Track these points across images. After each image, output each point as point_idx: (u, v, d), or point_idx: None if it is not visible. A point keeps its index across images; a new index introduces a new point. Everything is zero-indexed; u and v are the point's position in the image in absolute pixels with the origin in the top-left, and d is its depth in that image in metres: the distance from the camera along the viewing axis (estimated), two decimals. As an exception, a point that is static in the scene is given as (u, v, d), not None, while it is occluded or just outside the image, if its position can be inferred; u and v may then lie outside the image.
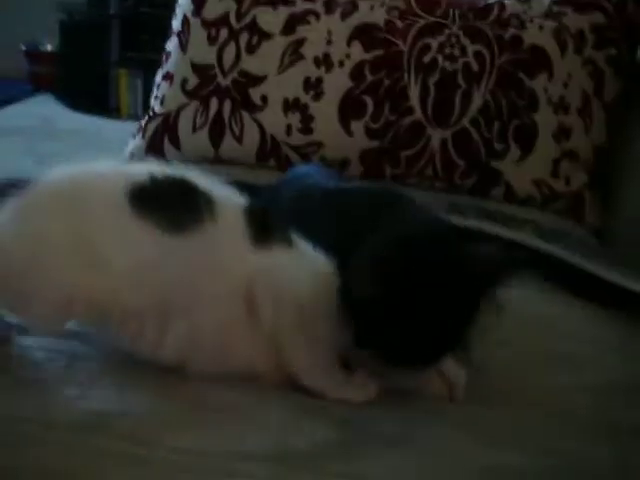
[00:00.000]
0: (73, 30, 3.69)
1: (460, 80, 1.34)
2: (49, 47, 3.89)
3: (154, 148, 1.40)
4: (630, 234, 1.31)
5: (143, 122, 1.43)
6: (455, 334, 0.72)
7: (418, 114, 1.34)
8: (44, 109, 3.58)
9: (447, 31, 1.35)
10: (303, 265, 0.73)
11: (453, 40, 1.35)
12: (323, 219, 0.85)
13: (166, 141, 1.40)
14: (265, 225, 0.74)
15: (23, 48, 3.85)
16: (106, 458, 0.64)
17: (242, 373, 0.72)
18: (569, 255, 1.07)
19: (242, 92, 1.36)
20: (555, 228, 1.19)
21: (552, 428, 0.77)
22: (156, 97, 1.42)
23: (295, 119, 1.35)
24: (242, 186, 1.07)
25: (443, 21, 1.36)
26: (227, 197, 0.74)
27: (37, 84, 3.87)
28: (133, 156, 1.42)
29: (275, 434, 0.68)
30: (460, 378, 0.79)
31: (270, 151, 1.37)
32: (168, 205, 0.70)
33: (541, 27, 1.37)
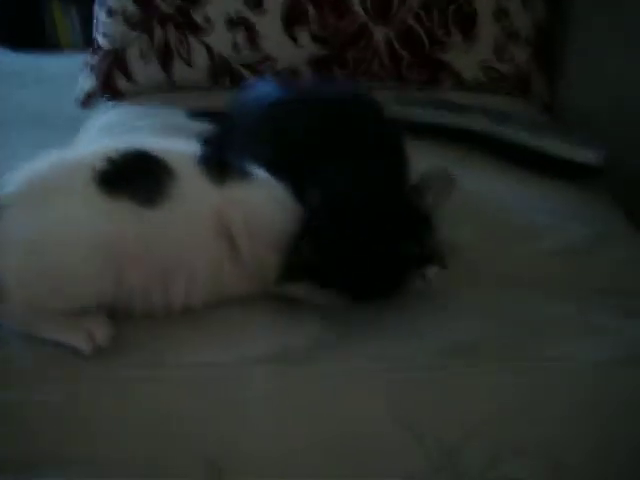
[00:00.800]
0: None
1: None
2: (-26, -13, 3.74)
3: (107, 85, 1.42)
4: (578, 106, 1.37)
5: (91, 60, 1.44)
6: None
7: (360, 14, 1.36)
8: (-20, 53, 3.50)
9: None
10: (263, 193, 0.80)
11: None
12: (261, 135, 0.90)
13: (118, 76, 1.41)
14: (222, 166, 0.80)
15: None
16: (121, 382, 0.71)
17: (229, 298, 0.79)
18: (518, 135, 1.12)
19: (185, 15, 1.37)
20: (505, 110, 1.24)
21: (522, 298, 0.84)
22: (100, 33, 1.42)
23: (241, 36, 1.36)
24: (202, 115, 1.10)
25: None
26: (182, 154, 0.79)
27: (-32, 28, 3.74)
28: (88, 96, 1.43)
29: (264, 338, 0.76)
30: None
31: (221, 71, 1.39)
32: (135, 182, 0.75)
33: None
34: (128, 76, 1.41)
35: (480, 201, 1.02)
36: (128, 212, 0.74)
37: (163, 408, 0.70)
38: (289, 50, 1.37)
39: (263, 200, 0.80)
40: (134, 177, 0.76)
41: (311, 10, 1.35)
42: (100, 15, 1.43)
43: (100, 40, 1.43)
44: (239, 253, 0.78)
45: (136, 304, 0.76)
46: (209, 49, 1.38)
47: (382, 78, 1.40)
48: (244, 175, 0.80)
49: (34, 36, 3.47)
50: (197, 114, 1.16)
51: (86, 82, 1.45)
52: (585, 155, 1.09)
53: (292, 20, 1.36)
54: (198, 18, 1.37)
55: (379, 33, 1.36)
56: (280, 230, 0.78)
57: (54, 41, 3.47)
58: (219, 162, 0.80)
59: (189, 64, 1.39)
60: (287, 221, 0.78)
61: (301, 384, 0.71)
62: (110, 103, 1.42)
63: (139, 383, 0.71)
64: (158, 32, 1.38)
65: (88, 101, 1.46)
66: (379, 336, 0.77)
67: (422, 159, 0.91)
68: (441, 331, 0.78)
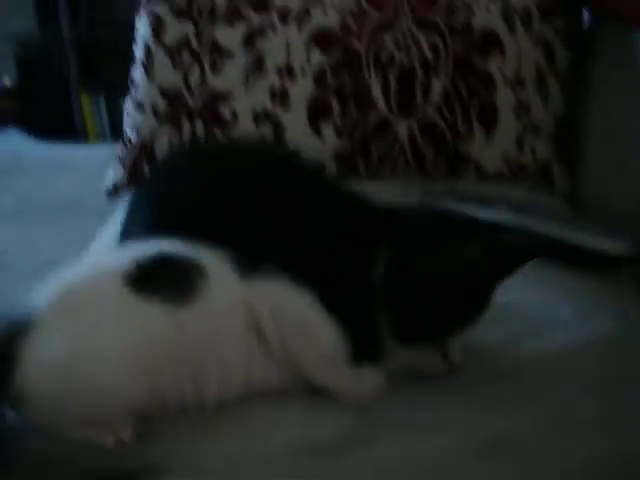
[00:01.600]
0: (29, 61, 3.70)
1: (418, 71, 1.39)
2: (7, 81, 3.89)
3: (135, 177, 1.45)
4: (598, 197, 1.38)
5: (120, 152, 1.48)
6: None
7: (383, 109, 1.39)
8: (12, 144, 3.59)
9: (400, 26, 1.41)
10: (286, 286, 0.81)
11: (407, 34, 1.40)
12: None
13: (146, 169, 1.44)
14: (249, 263, 0.81)
15: (-20, 86, 3.85)
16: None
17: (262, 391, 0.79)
18: (541, 226, 1.13)
19: (212, 110, 1.41)
20: (527, 201, 1.25)
21: (553, 391, 0.83)
22: (129, 126, 1.47)
23: (267, 130, 1.40)
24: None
25: (395, 17, 1.42)
26: (209, 251, 0.81)
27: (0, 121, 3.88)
28: (116, 188, 1.47)
29: (296, 429, 0.75)
30: (459, 357, 0.85)
31: (247, 163, 1.42)
32: (165, 284, 0.77)
33: (488, 10, 1.43)
34: (155, 168, 1.44)
35: (500, 294, 1.02)
36: (160, 314, 0.75)
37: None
38: (314, 144, 1.40)
39: (287, 292, 0.81)
40: (164, 279, 0.77)
41: (335, 104, 1.39)
42: (129, 108, 1.47)
43: (129, 133, 1.47)
44: (268, 345, 0.79)
45: (168, 404, 0.76)
46: (235, 142, 1.41)
47: (407, 173, 1.42)
48: (269, 272, 0.82)
49: (64, 129, 3.59)
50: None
51: (114, 174, 1.48)
52: (613, 245, 1.09)
53: (316, 114, 1.40)
54: (225, 113, 1.41)
55: (402, 127, 1.39)
56: (306, 320, 0.79)
57: (82, 133, 3.58)
58: (246, 260, 0.82)
59: (216, 157, 1.42)
60: (312, 311, 0.80)
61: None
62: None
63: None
64: (186, 126, 1.42)
65: (116, 192, 1.49)
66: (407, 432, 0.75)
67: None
68: (471, 426, 0.76)
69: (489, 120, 1.40)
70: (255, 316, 0.79)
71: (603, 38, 1.48)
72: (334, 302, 0.79)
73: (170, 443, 0.74)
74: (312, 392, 0.80)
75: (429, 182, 1.39)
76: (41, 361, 0.73)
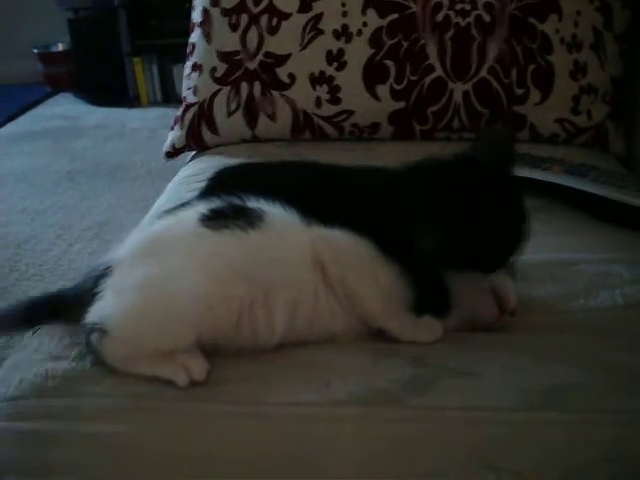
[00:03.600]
0: (81, 26, 3.76)
1: (474, 33, 1.40)
2: (60, 46, 3.96)
3: (193, 136, 1.49)
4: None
5: (179, 113, 1.51)
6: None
7: (439, 71, 1.40)
8: (66, 108, 3.70)
9: (456, -14, 1.41)
10: (343, 232, 0.84)
11: (462, -5, 1.40)
12: None
13: (204, 128, 1.48)
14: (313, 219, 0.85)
15: (35, 51, 3.93)
16: (217, 419, 0.74)
17: (325, 335, 0.82)
18: (596, 186, 1.14)
19: (270, 73, 1.43)
20: (581, 162, 1.26)
21: (604, 347, 0.85)
22: (188, 88, 1.50)
23: (323, 91, 1.42)
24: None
25: (451, -23, 1.42)
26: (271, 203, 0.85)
27: (54, 85, 3.96)
28: (175, 149, 1.51)
29: (357, 379, 0.78)
30: (511, 291, 0.87)
31: (303, 125, 1.45)
32: (236, 218, 0.82)
33: (546, -30, 1.42)
34: (213, 129, 1.47)
35: (556, 252, 1.04)
36: (232, 236, 0.80)
37: (258, 446, 0.72)
38: (369, 105, 1.42)
39: (348, 238, 0.84)
40: (236, 217, 0.82)
41: (391, 66, 1.40)
42: (188, 70, 1.51)
43: (187, 95, 1.50)
44: (332, 289, 0.82)
45: (241, 331, 0.79)
46: (292, 104, 1.44)
47: (461, 133, 1.43)
48: (331, 224, 0.85)
49: (116, 94, 3.65)
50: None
51: (172, 135, 1.52)
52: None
53: (372, 75, 1.41)
54: (282, 75, 1.43)
55: (457, 88, 1.40)
56: (366, 262, 0.82)
57: (135, 96, 3.64)
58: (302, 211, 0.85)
59: (272, 119, 1.45)
60: (371, 254, 0.83)
61: (388, 427, 0.73)
62: (194, 155, 1.50)
63: (233, 420, 0.74)
64: (244, 88, 1.45)
65: (174, 153, 1.53)
66: (466, 383, 0.78)
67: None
68: (531, 375, 0.78)
69: (545, 82, 1.40)
70: (319, 257, 0.82)
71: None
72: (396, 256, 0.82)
73: (235, 385, 0.77)
74: (375, 342, 0.83)
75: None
76: (123, 288, 0.78)
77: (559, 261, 1.02)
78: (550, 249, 1.03)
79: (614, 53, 1.44)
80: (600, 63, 1.42)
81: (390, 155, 1.40)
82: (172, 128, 1.53)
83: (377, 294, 0.82)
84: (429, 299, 0.84)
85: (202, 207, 0.84)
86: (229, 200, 0.85)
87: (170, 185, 1.41)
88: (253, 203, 0.84)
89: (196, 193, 1.08)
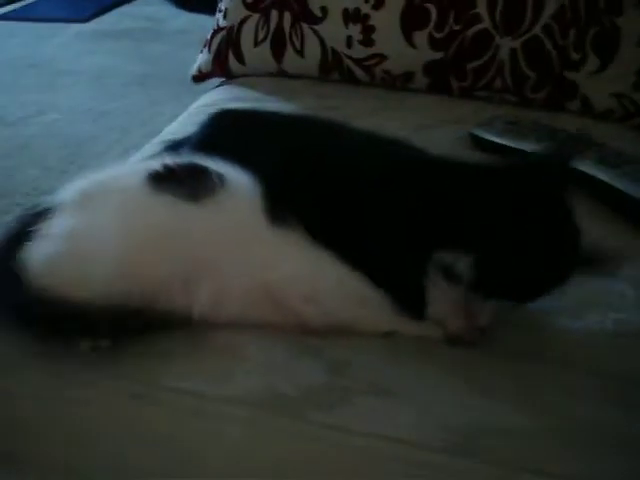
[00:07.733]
0: None
1: (533, -18, 1.22)
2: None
3: (219, 62, 1.40)
4: None
5: (209, 35, 1.42)
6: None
7: (486, 22, 1.24)
8: (153, 9, 3.64)
9: None
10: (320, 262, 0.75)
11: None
12: None
13: (230, 55, 1.39)
14: (276, 203, 0.76)
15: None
16: (111, 396, 0.69)
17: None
18: (626, 184, 0.98)
19: (302, 3, 1.31)
20: (624, 151, 1.09)
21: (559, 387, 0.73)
22: (220, 10, 1.40)
23: (356, 31, 1.29)
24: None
25: None
26: (236, 174, 0.77)
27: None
28: (201, 73, 1.43)
29: (264, 377, 0.70)
30: (485, 307, 0.75)
31: (332, 65, 1.33)
32: (181, 182, 0.75)
33: None
34: (239, 58, 1.38)
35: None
36: (172, 205, 0.73)
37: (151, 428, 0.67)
38: (404, 51, 1.28)
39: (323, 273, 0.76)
40: (188, 181, 0.75)
41: (433, 11, 1.25)
42: (222, -7, 1.41)
43: (219, 17, 1.41)
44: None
45: (158, 303, 0.72)
46: (322, 40, 1.32)
47: (502, 94, 1.28)
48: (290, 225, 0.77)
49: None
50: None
51: (202, 58, 1.44)
52: None
53: (411, 19, 1.27)
54: (315, 7, 1.31)
55: (504, 44, 1.24)
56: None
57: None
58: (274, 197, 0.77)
59: (301, 54, 1.34)
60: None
61: (277, 439, 0.65)
62: (220, 83, 1.41)
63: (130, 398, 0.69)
64: (274, 17, 1.33)
65: (201, 77, 1.45)
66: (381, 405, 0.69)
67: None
68: (458, 408, 0.68)
69: (607, 48, 1.22)
70: (275, 292, 0.74)
71: None
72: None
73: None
74: (308, 337, 0.74)
75: (525, 108, 1.25)
76: (53, 235, 0.74)
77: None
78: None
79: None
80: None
81: (421, 109, 1.28)
82: (201, 51, 1.44)
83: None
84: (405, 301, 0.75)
85: (163, 161, 0.77)
86: (191, 158, 0.78)
87: (184, 114, 1.34)
88: (220, 169, 0.76)
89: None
